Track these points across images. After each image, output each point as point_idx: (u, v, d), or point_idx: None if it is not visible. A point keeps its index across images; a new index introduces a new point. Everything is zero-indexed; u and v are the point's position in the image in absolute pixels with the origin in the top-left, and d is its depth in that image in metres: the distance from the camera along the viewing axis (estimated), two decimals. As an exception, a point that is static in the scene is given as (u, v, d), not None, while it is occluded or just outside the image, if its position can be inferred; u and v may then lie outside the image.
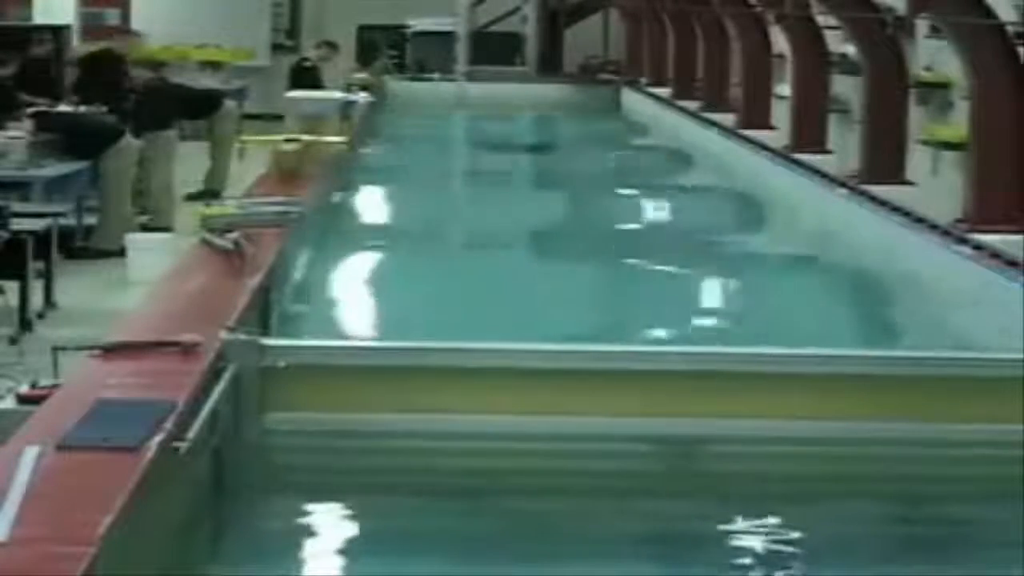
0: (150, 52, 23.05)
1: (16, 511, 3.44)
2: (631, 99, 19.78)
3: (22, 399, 5.36)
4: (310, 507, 4.99)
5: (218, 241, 6.88)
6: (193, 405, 4.42)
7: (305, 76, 17.63)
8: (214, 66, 23.88)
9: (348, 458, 5.23)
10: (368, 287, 8.59)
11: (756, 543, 4.86)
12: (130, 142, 14.22)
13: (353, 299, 8.15)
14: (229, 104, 18.28)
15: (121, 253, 12.69)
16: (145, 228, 14.40)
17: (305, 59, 19.24)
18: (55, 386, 4.86)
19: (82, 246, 13.42)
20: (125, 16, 25.55)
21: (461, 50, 20.15)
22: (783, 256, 9.92)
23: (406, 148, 15.26)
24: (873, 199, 9.83)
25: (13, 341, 10.06)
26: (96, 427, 4.07)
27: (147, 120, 15.24)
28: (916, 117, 12.60)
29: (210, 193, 15.28)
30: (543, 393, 5.14)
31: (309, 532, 4.87)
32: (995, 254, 7.72)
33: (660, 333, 7.56)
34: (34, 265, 10.95)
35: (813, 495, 5.25)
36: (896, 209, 9.34)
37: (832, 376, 5.25)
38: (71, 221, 13.17)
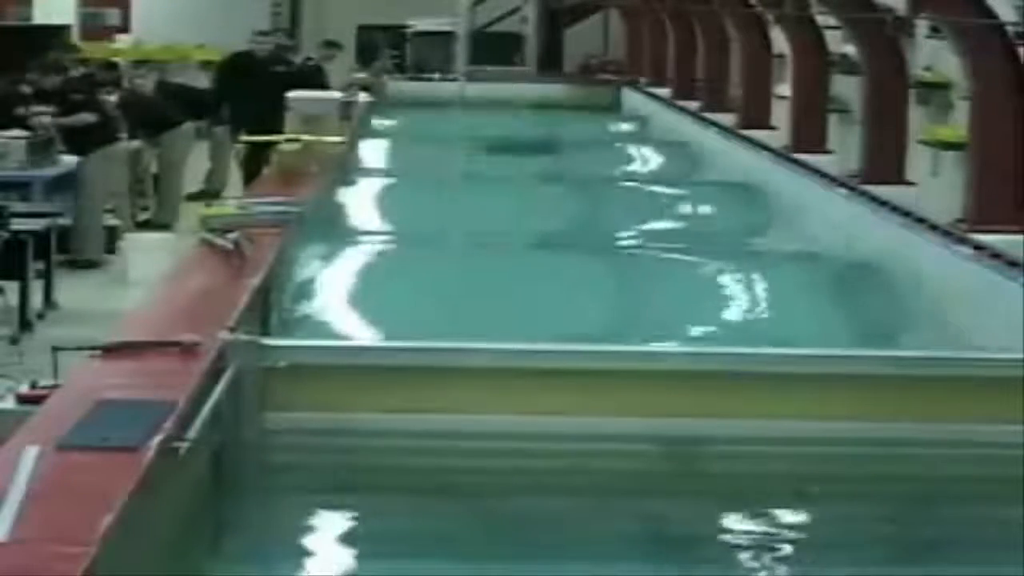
0: (148, 52, 23.09)
1: (16, 511, 3.44)
2: (631, 99, 19.77)
3: (22, 399, 5.38)
4: (310, 507, 4.99)
5: (218, 241, 6.88)
6: (193, 405, 4.41)
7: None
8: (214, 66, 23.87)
9: (348, 458, 5.22)
10: (368, 286, 8.58)
11: (756, 543, 4.86)
12: (117, 147, 14.01)
13: (353, 299, 8.14)
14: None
15: (110, 252, 12.63)
16: (147, 224, 14.39)
17: (309, 58, 19.24)
18: (55, 386, 4.86)
19: (69, 259, 13.07)
20: (125, 16, 25.55)
21: (461, 50, 20.12)
22: (782, 255, 9.89)
23: (406, 148, 15.23)
24: (873, 199, 9.83)
25: (13, 341, 10.08)
26: (96, 427, 4.06)
27: (160, 121, 15.24)
28: (916, 117, 12.60)
29: (210, 193, 15.29)
30: (543, 393, 5.14)
31: (309, 532, 4.87)
32: (995, 254, 7.72)
33: (659, 332, 7.55)
34: (34, 265, 10.97)
35: (813, 495, 5.25)
36: (896, 209, 9.33)
37: (832, 376, 5.25)
38: (71, 221, 13.16)
